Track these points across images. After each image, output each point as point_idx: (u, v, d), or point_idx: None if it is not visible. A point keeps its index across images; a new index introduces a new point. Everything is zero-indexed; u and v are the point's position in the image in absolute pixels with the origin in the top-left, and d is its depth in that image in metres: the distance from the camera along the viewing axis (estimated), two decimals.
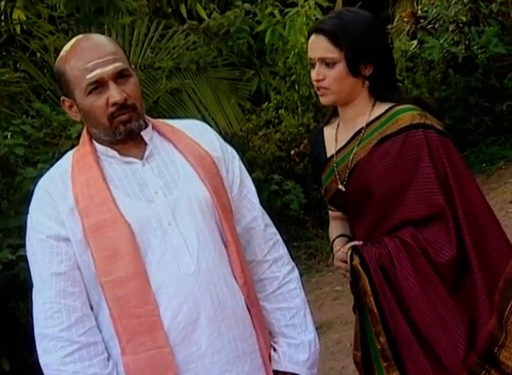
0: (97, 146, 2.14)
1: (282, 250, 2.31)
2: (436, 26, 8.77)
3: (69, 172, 2.11)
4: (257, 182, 8.44)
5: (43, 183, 2.13)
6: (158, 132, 2.19)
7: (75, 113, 2.12)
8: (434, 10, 8.61)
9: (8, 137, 5.48)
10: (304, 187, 7.71)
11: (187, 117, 7.00)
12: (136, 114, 2.08)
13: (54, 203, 2.07)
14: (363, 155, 2.42)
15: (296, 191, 7.62)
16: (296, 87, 8.08)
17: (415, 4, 9.62)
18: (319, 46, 2.40)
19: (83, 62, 2.02)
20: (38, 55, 7.02)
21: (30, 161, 5.74)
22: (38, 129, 5.86)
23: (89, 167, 2.09)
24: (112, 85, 2.03)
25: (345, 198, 2.49)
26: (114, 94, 2.03)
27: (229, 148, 2.28)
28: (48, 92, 6.80)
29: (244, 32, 7.57)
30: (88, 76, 2.02)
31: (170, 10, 7.82)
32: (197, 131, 2.24)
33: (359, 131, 2.45)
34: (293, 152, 8.15)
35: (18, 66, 7.10)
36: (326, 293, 6.29)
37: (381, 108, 2.44)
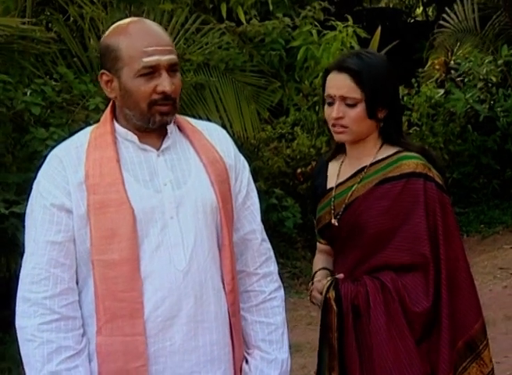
0: (118, 128, 2.15)
1: (273, 267, 2.33)
2: (465, 80, 8.82)
3: (85, 146, 2.12)
4: (257, 192, 8.36)
5: (58, 151, 2.15)
6: (179, 127, 2.22)
7: (110, 89, 2.12)
8: (466, 64, 8.66)
9: (28, 94, 5.50)
10: (302, 207, 7.71)
11: (205, 114, 7.05)
12: (174, 109, 2.12)
13: (65, 173, 2.08)
14: (361, 192, 2.45)
15: (294, 209, 7.64)
16: (317, 108, 8.10)
17: (449, 54, 9.66)
18: (343, 84, 2.39)
19: (142, 45, 2.04)
20: (72, 20, 7.04)
21: (43, 122, 5.76)
22: (58, 93, 5.88)
23: (105, 146, 2.11)
24: (164, 74, 2.06)
25: (335, 232, 2.51)
26: (165, 83, 2.05)
27: (242, 159, 2.31)
28: (75, 59, 6.83)
29: (278, 44, 7.58)
30: (145, 60, 2.04)
31: (211, 6, 7.84)
32: (216, 136, 2.26)
33: (362, 169, 2.47)
34: (299, 171, 8.15)
35: (50, 26, 7.11)
36: (301, 316, 6.30)
37: (387, 151, 2.47)
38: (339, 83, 2.39)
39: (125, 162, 2.11)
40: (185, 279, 2.08)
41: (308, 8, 7.70)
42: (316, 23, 7.72)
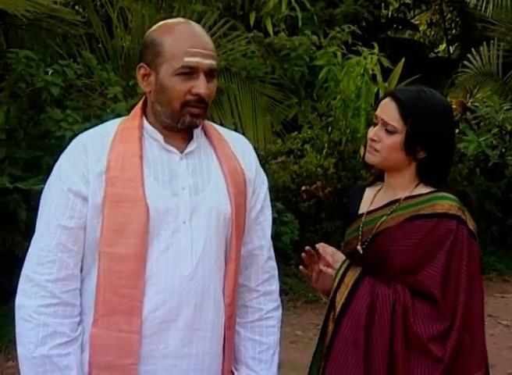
0: (146, 125, 2.15)
1: (275, 286, 2.34)
2: (481, 123, 8.82)
3: (111, 137, 2.12)
4: None
5: (83, 138, 2.15)
6: (205, 133, 2.22)
7: (146, 83, 2.13)
8: (484, 108, 8.66)
9: (49, 73, 5.51)
10: (301, 224, 7.70)
11: (219, 118, 7.04)
12: (205, 113, 2.13)
13: (87, 161, 2.08)
14: (391, 224, 2.43)
15: (293, 225, 7.62)
16: (330, 129, 8.11)
17: (468, 95, 9.68)
18: (388, 110, 2.41)
19: (187, 45, 2.06)
20: (101, 6, 7.05)
21: (59, 103, 5.77)
22: (78, 76, 5.88)
23: (131, 140, 2.11)
24: (202, 77, 2.07)
25: (359, 259, 2.49)
26: (202, 86, 2.06)
27: (262, 174, 2.31)
28: (99, 45, 6.84)
29: (303, 60, 7.59)
30: (186, 60, 2.05)
31: (241, 13, 7.86)
32: (240, 147, 2.27)
33: (395, 201, 2.46)
34: (303, 188, 8.13)
35: (78, 8, 7.11)
36: (285, 333, 6.27)
37: (423, 189, 2.45)
38: (385, 108, 2.42)
39: (147, 160, 2.11)
40: (188, 285, 2.08)
41: (337, 29, 7.71)
42: (342, 46, 7.73)
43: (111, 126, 2.17)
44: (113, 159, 2.08)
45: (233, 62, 7.00)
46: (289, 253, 7.90)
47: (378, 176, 2.62)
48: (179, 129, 2.13)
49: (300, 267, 2.55)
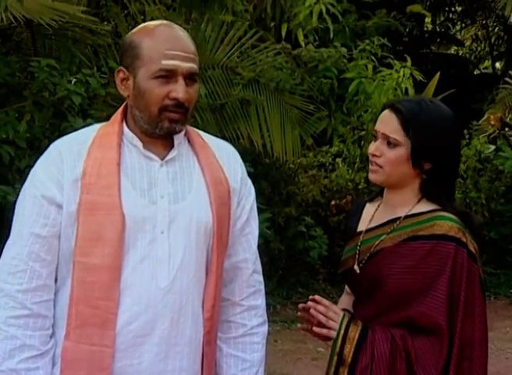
0: (126, 130, 2.09)
1: (261, 301, 2.24)
2: None
3: (89, 143, 2.06)
4: (286, 218, 8.24)
5: (60, 144, 2.09)
6: (189, 141, 2.14)
7: (125, 87, 2.07)
8: None
9: (72, 82, 5.52)
10: (330, 239, 7.61)
11: (246, 131, 6.99)
12: (185, 118, 2.05)
13: (62, 167, 2.02)
14: (388, 244, 2.33)
15: (322, 240, 7.55)
16: (362, 143, 7.99)
17: (507, 111, 9.48)
18: (389, 123, 2.31)
19: (165, 48, 1.99)
20: (130, 16, 7.06)
21: (84, 112, 5.77)
22: (104, 86, 5.88)
23: (109, 147, 2.04)
24: (181, 81, 2.00)
25: (356, 279, 2.42)
26: (180, 90, 1.99)
27: (249, 184, 2.22)
28: None
29: (331, 73, 7.52)
30: (164, 63, 1.98)
31: (272, 24, 7.81)
32: (226, 156, 2.18)
33: (395, 219, 2.36)
34: (333, 203, 8.05)
35: (105, 16, 7.11)
36: (308, 350, 6.19)
37: (425, 206, 2.34)
38: (385, 121, 2.32)
39: (125, 167, 2.04)
40: (164, 298, 2.01)
41: (367, 41, 7.61)
42: (373, 58, 7.62)
43: (90, 132, 2.11)
44: (90, 166, 2.02)
45: (262, 73, 6.96)
46: (317, 268, 7.82)
47: (380, 191, 2.50)
48: (159, 135, 2.05)
49: (298, 326, 2.46)
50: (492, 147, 8.77)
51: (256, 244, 2.23)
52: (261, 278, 2.25)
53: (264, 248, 7.17)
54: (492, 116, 9.24)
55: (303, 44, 7.71)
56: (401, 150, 2.29)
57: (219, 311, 2.15)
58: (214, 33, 6.68)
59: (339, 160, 8.23)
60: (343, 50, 7.64)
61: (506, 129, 8.86)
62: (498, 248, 8.69)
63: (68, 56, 6.02)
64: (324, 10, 7.00)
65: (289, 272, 7.73)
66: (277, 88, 7.08)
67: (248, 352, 2.19)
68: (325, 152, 8.24)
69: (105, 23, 6.77)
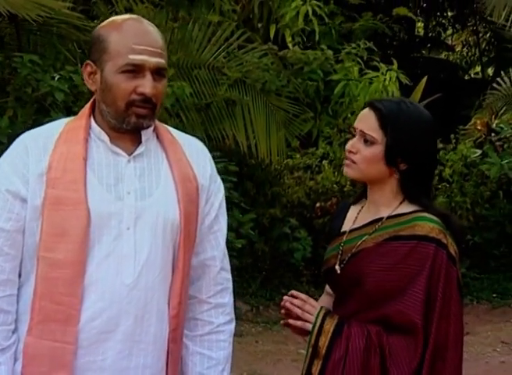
0: (93, 125, 2.07)
1: (228, 299, 2.22)
2: (505, 146, 8.65)
3: (55, 138, 2.04)
4: (271, 219, 8.17)
5: (25, 137, 2.07)
6: (157, 136, 2.12)
7: (92, 81, 2.05)
8: (509, 130, 8.49)
9: (55, 79, 5.49)
10: (314, 241, 7.59)
11: (231, 131, 6.97)
12: (153, 114, 2.03)
13: (27, 161, 2.00)
14: (369, 245, 2.35)
15: (306, 242, 7.53)
16: None
17: (494, 117, 9.50)
18: (367, 121, 2.32)
19: (132, 42, 1.97)
20: (116, 15, 7.04)
21: (68, 109, 5.74)
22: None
23: (76, 141, 2.02)
24: (148, 76, 1.98)
25: (337, 279, 2.42)
26: (147, 85, 1.98)
27: (219, 181, 2.20)
28: None
29: (317, 75, 7.51)
30: (131, 57, 1.96)
31: (260, 25, 7.79)
32: (195, 153, 2.17)
33: (378, 220, 2.37)
34: (318, 205, 8.03)
35: (96, 16, 7.08)
36: (289, 351, 6.19)
37: (407, 208, 2.36)
38: (364, 119, 2.34)
39: (92, 162, 2.02)
40: (129, 294, 1.99)
41: (353, 45, 7.61)
42: (360, 61, 7.62)
43: (57, 126, 2.09)
44: (55, 160, 2.00)
45: (248, 74, 6.94)
46: (301, 270, 7.80)
47: (361, 193, 2.52)
48: (126, 130, 2.03)
49: (281, 322, 2.45)
50: (479, 152, 8.79)
51: (224, 242, 2.21)
52: (228, 276, 2.23)
53: (249, 248, 7.16)
54: (478, 121, 9.26)
55: (290, 45, 7.70)
56: (377, 148, 2.30)
57: (186, 308, 2.13)
58: (201, 33, 6.66)
59: (325, 162, 8.22)
60: (329, 52, 7.63)
61: (493, 134, 8.87)
62: (482, 252, 8.70)
63: (53, 52, 5.99)
64: (310, 12, 6.99)
65: (273, 273, 7.71)
66: (263, 89, 7.07)
67: (214, 350, 2.18)
68: (312, 154, 8.23)
69: (92, 20, 6.73)
